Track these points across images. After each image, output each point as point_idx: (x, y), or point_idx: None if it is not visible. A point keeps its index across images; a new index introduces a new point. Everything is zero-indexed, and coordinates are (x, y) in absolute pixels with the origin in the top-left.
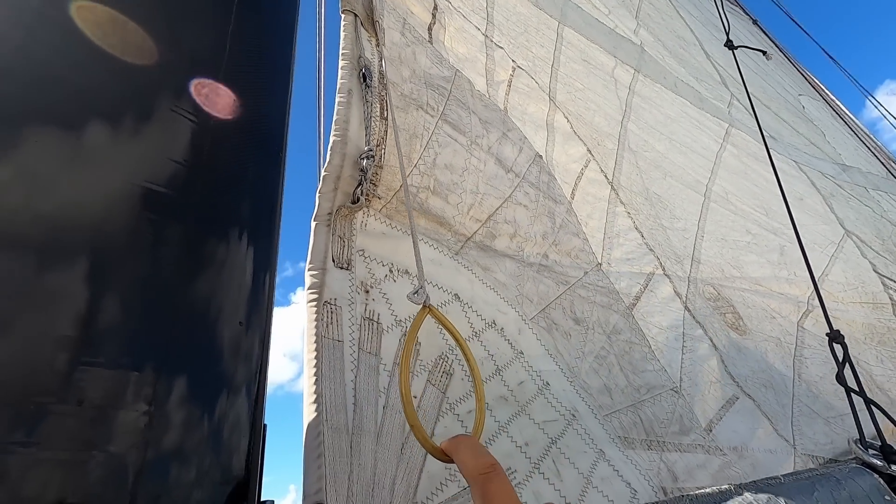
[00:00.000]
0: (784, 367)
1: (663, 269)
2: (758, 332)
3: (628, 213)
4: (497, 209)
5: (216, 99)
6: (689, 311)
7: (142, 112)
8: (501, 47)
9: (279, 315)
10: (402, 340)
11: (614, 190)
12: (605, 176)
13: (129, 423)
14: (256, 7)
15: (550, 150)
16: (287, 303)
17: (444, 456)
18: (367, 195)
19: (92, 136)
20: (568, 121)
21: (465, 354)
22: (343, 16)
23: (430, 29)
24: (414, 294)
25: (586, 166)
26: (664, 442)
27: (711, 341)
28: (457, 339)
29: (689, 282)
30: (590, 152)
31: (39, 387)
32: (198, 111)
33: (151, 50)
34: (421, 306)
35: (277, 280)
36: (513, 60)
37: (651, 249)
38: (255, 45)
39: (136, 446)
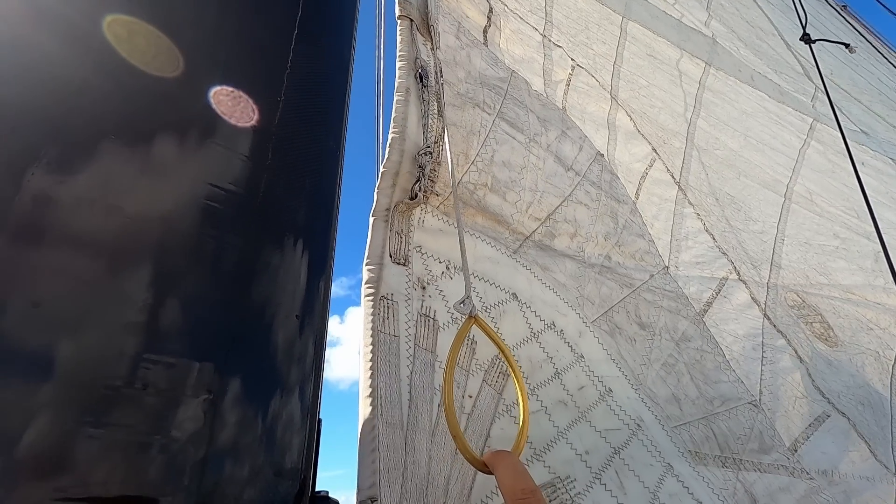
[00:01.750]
0: (881, 385)
1: (738, 274)
2: (852, 344)
3: (697, 214)
4: (557, 207)
5: (276, 108)
6: (768, 319)
7: (209, 123)
8: (560, 46)
9: (354, 313)
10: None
11: (682, 190)
12: (672, 176)
13: (192, 413)
14: (318, 15)
15: (612, 150)
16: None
17: (485, 468)
18: (426, 191)
19: (162, 146)
20: (631, 119)
21: (511, 368)
22: (399, 21)
23: (485, 32)
24: (460, 304)
25: (651, 166)
26: (741, 460)
27: (796, 352)
28: (503, 352)
29: (768, 288)
30: (655, 151)
31: (110, 377)
32: (259, 121)
33: (217, 66)
34: (467, 316)
35: (352, 280)
36: (572, 59)
37: (724, 253)
38: (316, 55)
39: (199, 435)
